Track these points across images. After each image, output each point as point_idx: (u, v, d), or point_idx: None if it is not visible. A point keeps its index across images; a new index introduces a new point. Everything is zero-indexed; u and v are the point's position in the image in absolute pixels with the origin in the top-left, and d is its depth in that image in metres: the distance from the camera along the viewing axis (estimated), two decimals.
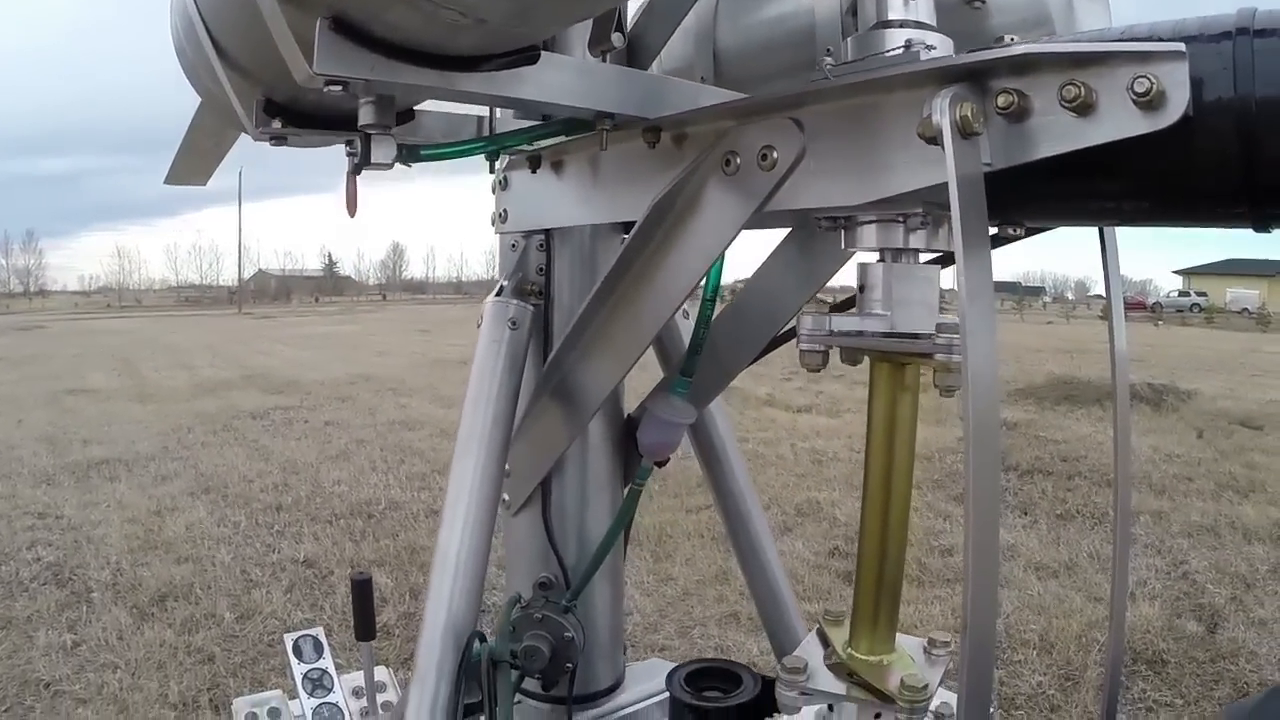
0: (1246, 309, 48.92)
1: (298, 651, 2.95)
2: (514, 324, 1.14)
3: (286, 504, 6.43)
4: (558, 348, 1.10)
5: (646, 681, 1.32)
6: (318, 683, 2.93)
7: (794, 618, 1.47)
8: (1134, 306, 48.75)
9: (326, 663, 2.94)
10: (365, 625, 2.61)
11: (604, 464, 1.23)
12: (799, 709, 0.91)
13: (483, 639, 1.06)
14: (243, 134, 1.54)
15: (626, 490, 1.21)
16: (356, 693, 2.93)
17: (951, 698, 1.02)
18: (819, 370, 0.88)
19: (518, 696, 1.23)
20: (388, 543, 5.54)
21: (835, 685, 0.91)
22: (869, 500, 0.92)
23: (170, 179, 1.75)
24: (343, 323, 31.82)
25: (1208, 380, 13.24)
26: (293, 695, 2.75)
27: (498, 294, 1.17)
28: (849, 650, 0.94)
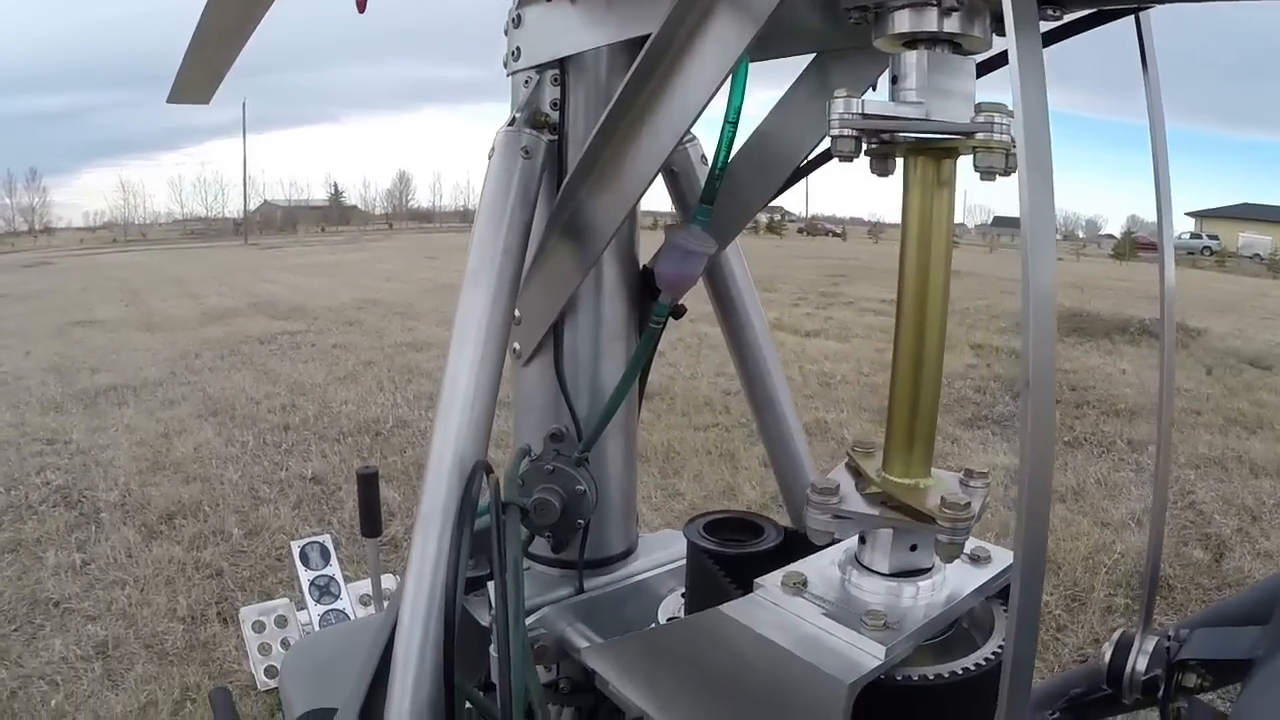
0: (1258, 254, 48.07)
1: (304, 558, 2.89)
2: (527, 153, 1.06)
3: (294, 424, 6.39)
4: (569, 177, 1.04)
5: (661, 550, 1.24)
6: (325, 589, 2.87)
7: (810, 476, 1.37)
8: (1143, 246, 47.90)
9: (333, 569, 2.88)
10: (371, 521, 2.53)
11: (619, 313, 1.15)
12: (829, 538, 0.80)
13: (489, 470, 0.98)
14: (244, 51, 1.51)
15: (642, 334, 1.12)
16: (364, 600, 2.87)
17: (990, 547, 0.91)
18: (851, 159, 0.76)
19: (526, 562, 1.15)
20: (395, 459, 5.49)
21: (869, 508, 0.80)
22: (903, 314, 0.80)
23: (172, 97, 1.73)
24: (349, 251, 31.62)
25: (1217, 320, 13.07)
26: (300, 607, 2.70)
27: (510, 124, 1.07)
28: (882, 475, 0.83)
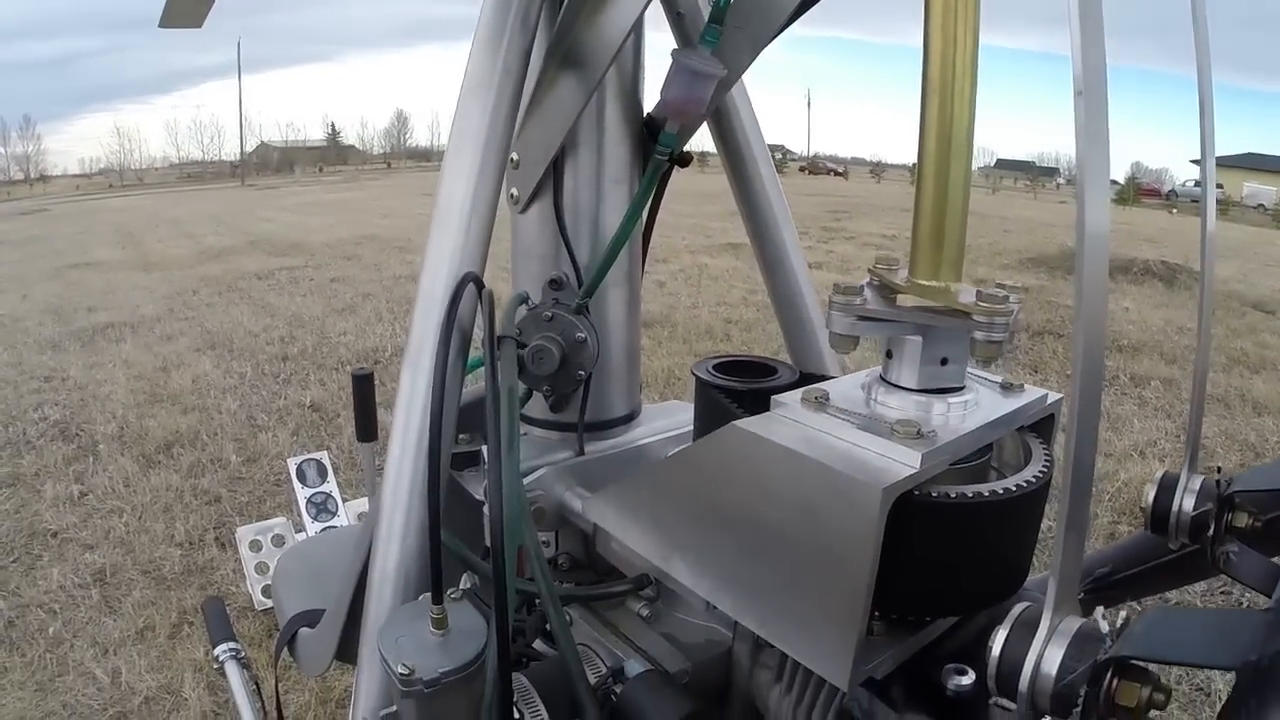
0: (1262, 205, 47.17)
1: (301, 476, 2.78)
2: None
3: (293, 354, 6.29)
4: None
5: (665, 419, 1.19)
6: (322, 507, 2.77)
7: (817, 329, 1.32)
8: (1147, 193, 47.40)
9: (330, 487, 2.77)
10: (366, 425, 2.39)
11: (621, 155, 1.08)
12: (852, 345, 0.70)
13: (481, 284, 0.90)
14: None
15: (646, 168, 1.03)
16: (361, 518, 2.76)
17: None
18: None
19: (524, 428, 1.11)
20: (393, 385, 5.34)
21: (897, 309, 0.71)
22: (928, 108, 0.69)
23: (164, 22, 1.74)
24: (347, 190, 31.34)
25: (1221, 265, 12.93)
26: (299, 528, 2.59)
27: None
28: (910, 280, 0.72)
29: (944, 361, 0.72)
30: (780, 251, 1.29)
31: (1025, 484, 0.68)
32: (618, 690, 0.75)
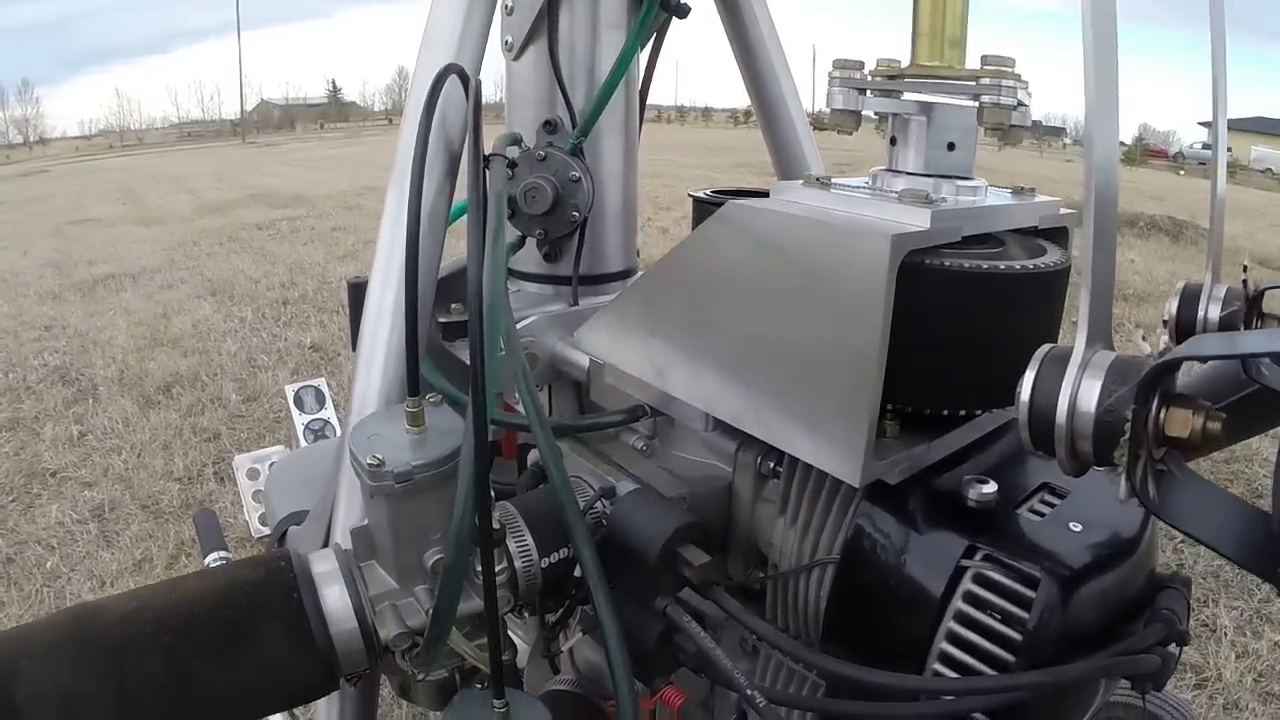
0: (1270, 169, 46.34)
1: (299, 403, 2.72)
2: None
3: (293, 299, 6.22)
4: None
5: None
6: (319, 434, 2.72)
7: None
8: (1155, 155, 46.89)
9: (328, 413, 2.71)
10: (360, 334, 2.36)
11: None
12: (855, 122, 0.63)
13: (465, 77, 0.83)
14: None
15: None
16: None
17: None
18: None
19: (514, 284, 1.06)
20: None
21: (899, 84, 0.66)
22: None
23: None
24: (348, 146, 30.99)
25: (1229, 224, 12.73)
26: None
27: None
28: (912, 63, 0.69)
29: (951, 147, 0.69)
30: (776, 94, 1.23)
31: (1044, 265, 0.64)
32: (608, 510, 0.69)
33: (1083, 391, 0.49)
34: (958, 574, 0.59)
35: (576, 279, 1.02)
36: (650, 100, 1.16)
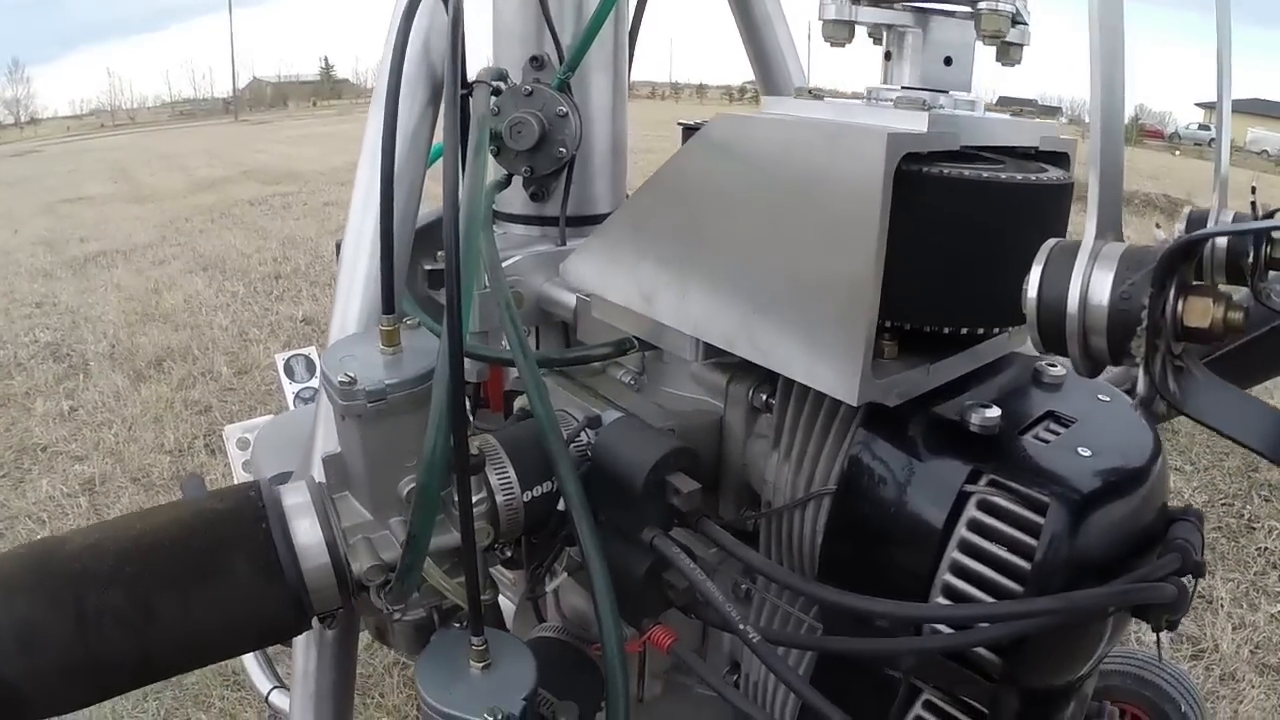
0: (1266, 151, 46.16)
1: (289, 371, 2.69)
2: None
3: (285, 273, 6.19)
4: None
5: None
6: (310, 402, 2.69)
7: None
8: (1151, 135, 46.78)
9: (318, 381, 2.69)
10: None
11: None
12: (848, 33, 0.60)
13: None
14: None
15: None
16: None
17: None
18: None
19: (500, 226, 1.03)
20: None
21: None
22: None
23: None
24: (342, 123, 30.74)
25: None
26: None
27: None
28: None
29: (948, 62, 0.66)
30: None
31: (1046, 178, 0.60)
32: (593, 440, 0.66)
33: (1094, 282, 0.46)
34: (961, 500, 0.56)
35: (564, 219, 0.98)
36: (644, 77, 1.14)
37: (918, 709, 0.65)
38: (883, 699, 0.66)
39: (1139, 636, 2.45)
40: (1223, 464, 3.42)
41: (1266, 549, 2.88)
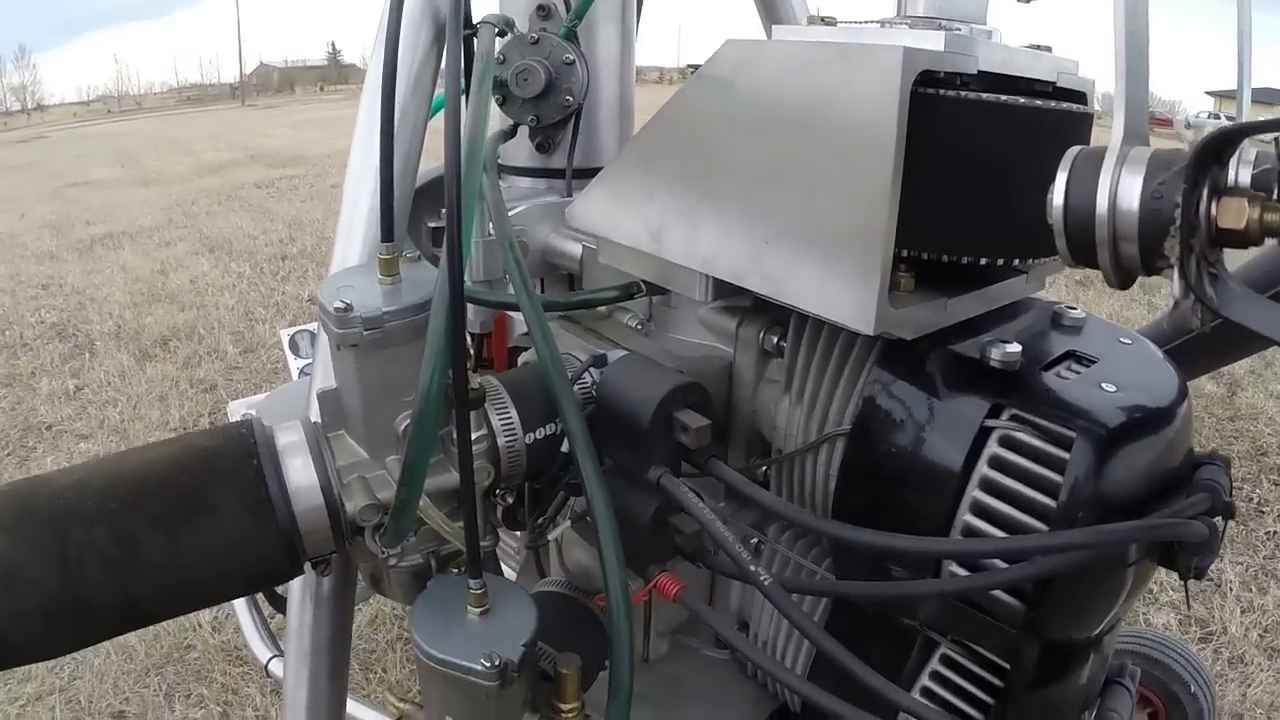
0: (1277, 138, 46.10)
1: (294, 347, 2.68)
2: None
3: (292, 254, 6.17)
4: None
5: None
6: None
7: None
8: (1161, 123, 46.93)
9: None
10: None
11: None
12: None
13: None
14: None
15: None
16: None
17: None
18: None
19: (505, 179, 1.02)
20: None
21: None
22: None
23: None
24: (349, 107, 30.39)
25: None
26: None
27: None
28: None
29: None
30: None
31: (1068, 106, 0.58)
32: (599, 380, 0.64)
33: (1124, 186, 0.43)
34: (982, 436, 0.54)
35: (570, 170, 0.96)
36: (652, 62, 1.10)
37: (934, 664, 0.63)
38: (898, 654, 0.64)
39: (1146, 617, 2.43)
40: (1231, 447, 3.39)
41: (1275, 533, 2.85)
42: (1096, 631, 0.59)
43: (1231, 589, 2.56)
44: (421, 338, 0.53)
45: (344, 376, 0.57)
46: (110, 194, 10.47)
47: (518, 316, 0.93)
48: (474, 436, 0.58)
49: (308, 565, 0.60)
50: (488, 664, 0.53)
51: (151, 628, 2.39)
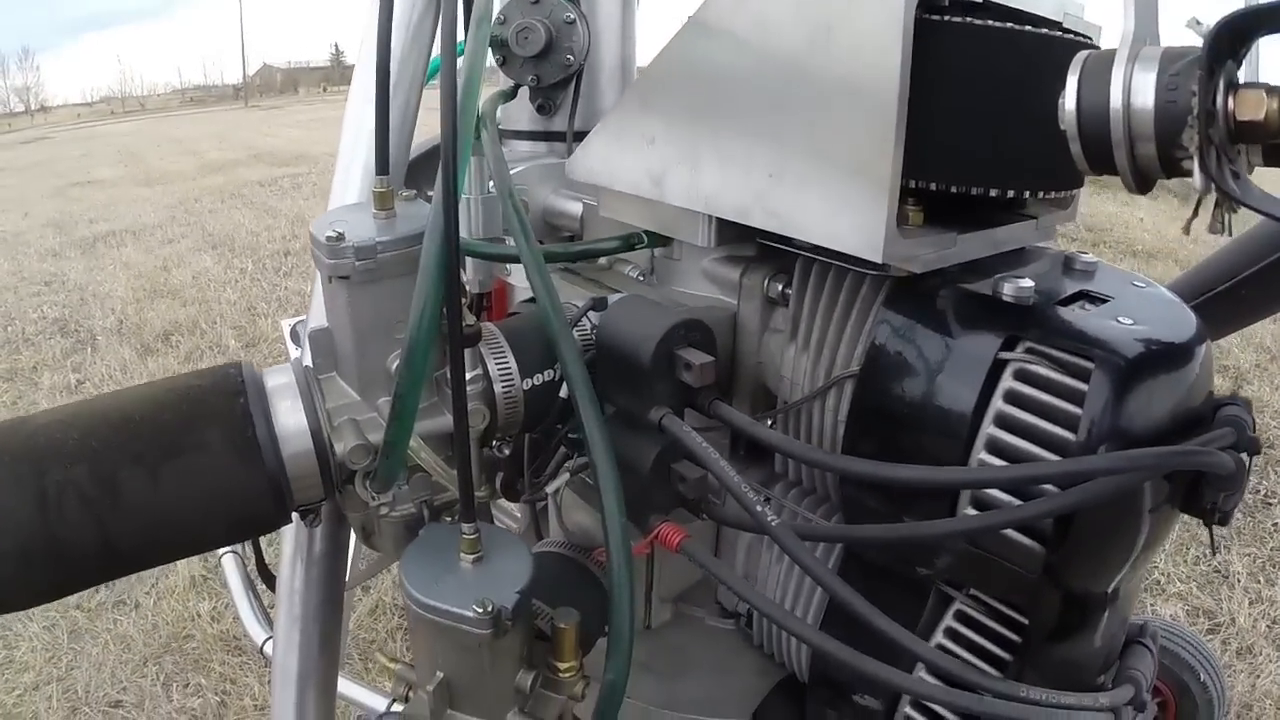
0: None
1: (295, 337, 2.68)
2: None
3: (295, 250, 6.17)
4: None
5: None
6: None
7: None
8: None
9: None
10: None
11: None
12: None
13: None
14: None
15: None
16: None
17: None
18: None
19: (506, 144, 1.00)
20: None
21: None
22: None
23: None
24: None
25: None
26: None
27: None
28: None
29: None
30: None
31: (1074, 36, 0.57)
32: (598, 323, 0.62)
33: (1137, 83, 0.41)
34: (996, 371, 0.52)
35: (571, 133, 0.95)
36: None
37: (949, 620, 0.61)
38: (912, 611, 0.62)
39: (1154, 607, 2.41)
40: None
41: None
42: (1115, 584, 0.57)
43: (1239, 580, 2.54)
44: (415, 270, 0.51)
45: (335, 313, 0.55)
46: (113, 193, 10.49)
47: (519, 281, 0.92)
48: (469, 377, 0.56)
49: (296, 517, 0.58)
50: (480, 610, 0.51)
51: (149, 617, 2.38)
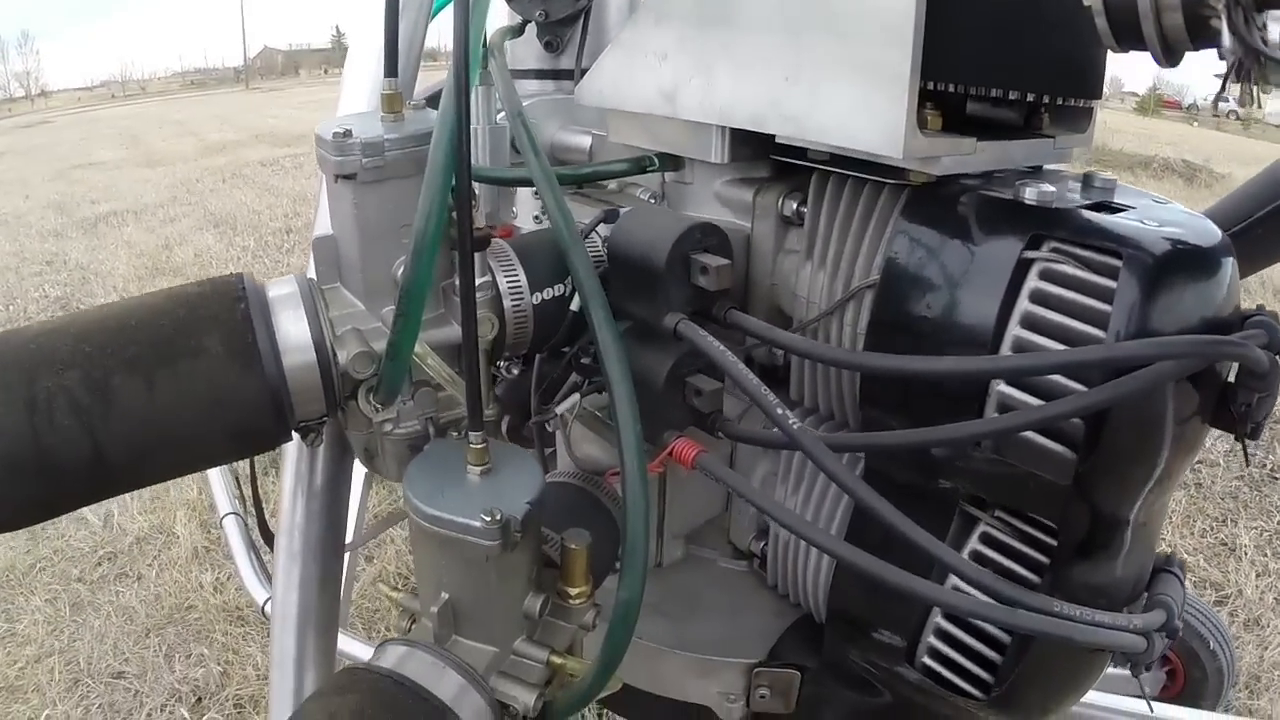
0: None
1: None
2: None
3: (297, 227, 6.14)
4: None
5: None
6: None
7: None
8: (1170, 105, 46.89)
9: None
10: None
11: None
12: None
13: None
14: None
15: None
16: None
17: None
18: None
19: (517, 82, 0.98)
20: None
21: None
22: None
23: None
24: None
25: (1242, 169, 12.67)
26: None
27: None
28: None
29: None
30: None
31: None
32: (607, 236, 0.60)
33: None
34: (1021, 271, 0.50)
35: (579, 70, 0.93)
36: None
37: (974, 543, 0.59)
38: (936, 533, 0.60)
39: None
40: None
41: None
42: (1139, 506, 0.56)
43: (1246, 553, 2.53)
44: (423, 171, 0.49)
45: (340, 217, 0.53)
46: (115, 174, 10.45)
47: (527, 225, 0.90)
48: (478, 284, 0.55)
49: (297, 437, 0.56)
50: (488, 519, 0.49)
51: (152, 588, 2.37)
